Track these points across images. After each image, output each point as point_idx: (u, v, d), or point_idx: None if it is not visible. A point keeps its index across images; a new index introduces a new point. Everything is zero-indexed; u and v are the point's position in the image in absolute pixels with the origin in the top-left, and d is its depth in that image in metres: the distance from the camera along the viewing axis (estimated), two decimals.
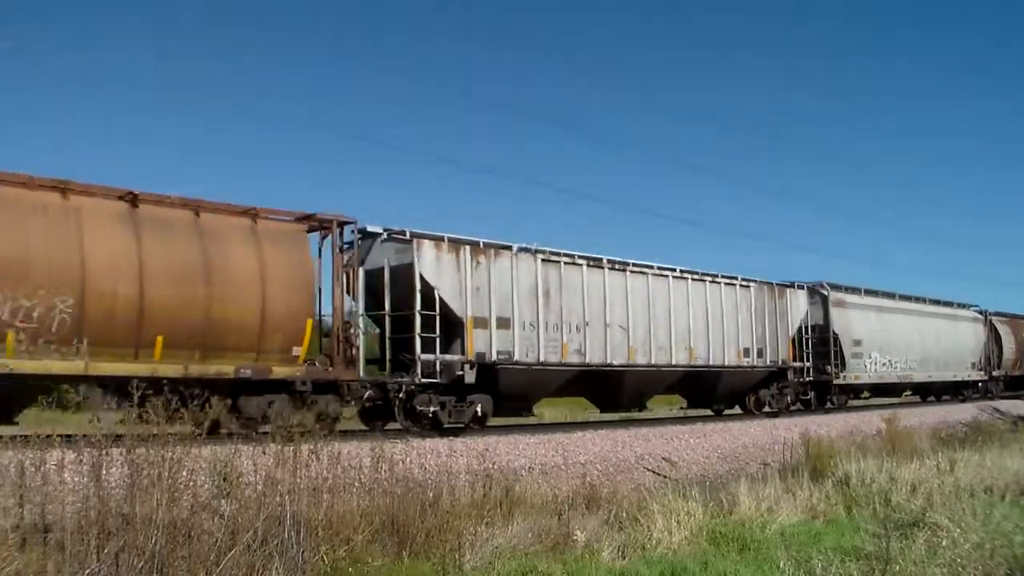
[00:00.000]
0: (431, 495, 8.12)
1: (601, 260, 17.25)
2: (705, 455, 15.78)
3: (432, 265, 14.30)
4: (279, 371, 12.24)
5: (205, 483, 6.71)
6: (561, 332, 16.13)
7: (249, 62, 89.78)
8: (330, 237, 13.46)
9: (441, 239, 14.70)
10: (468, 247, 14.92)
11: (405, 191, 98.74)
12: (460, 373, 14.49)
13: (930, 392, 31.46)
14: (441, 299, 14.31)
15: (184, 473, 6.35)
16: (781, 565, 7.67)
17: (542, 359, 15.71)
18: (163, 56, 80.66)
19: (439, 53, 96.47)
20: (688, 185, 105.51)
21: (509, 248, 15.69)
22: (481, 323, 14.86)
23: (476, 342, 14.74)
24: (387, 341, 14.46)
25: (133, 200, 11.53)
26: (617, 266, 17.56)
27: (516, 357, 15.27)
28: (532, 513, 9.03)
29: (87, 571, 5.59)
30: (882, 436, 17.51)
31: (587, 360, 16.62)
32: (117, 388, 10.45)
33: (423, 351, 13.99)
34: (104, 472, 6.20)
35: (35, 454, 6.30)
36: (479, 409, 14.96)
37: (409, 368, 14.00)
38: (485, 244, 15.41)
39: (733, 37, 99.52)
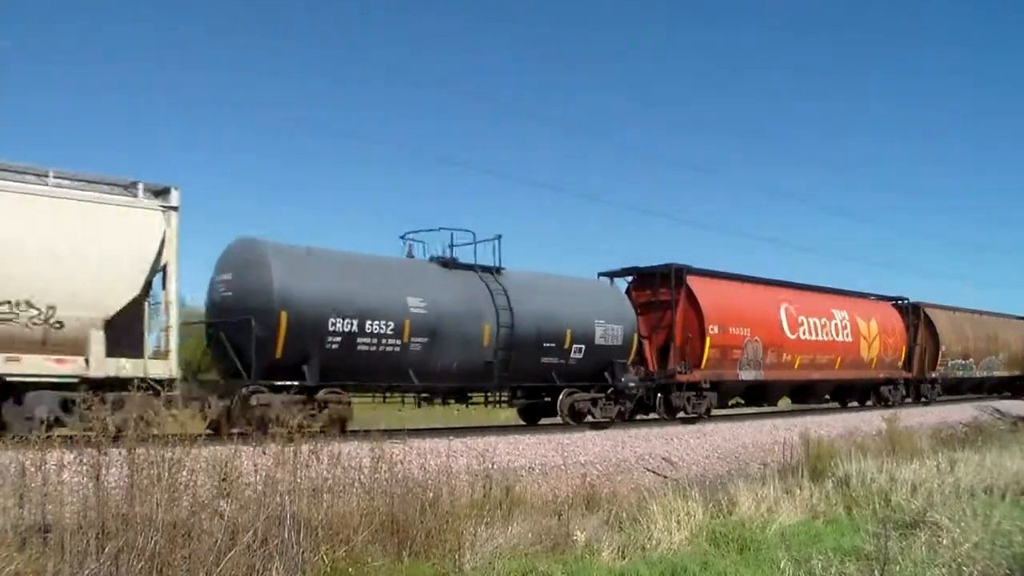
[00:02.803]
0: (431, 495, 8.11)
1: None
2: (705, 455, 15.78)
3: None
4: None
5: (205, 483, 6.71)
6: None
7: (248, 61, 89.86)
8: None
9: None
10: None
11: (405, 191, 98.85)
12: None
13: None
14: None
15: (184, 473, 6.35)
16: (781, 565, 7.67)
17: None
18: (164, 51, 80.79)
19: (436, 50, 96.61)
20: (692, 185, 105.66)
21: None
22: None
23: None
24: None
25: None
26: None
27: None
28: (532, 513, 9.03)
29: (87, 571, 5.59)
30: (882, 436, 17.51)
31: None
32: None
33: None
34: (104, 472, 6.20)
35: (35, 454, 6.30)
36: None
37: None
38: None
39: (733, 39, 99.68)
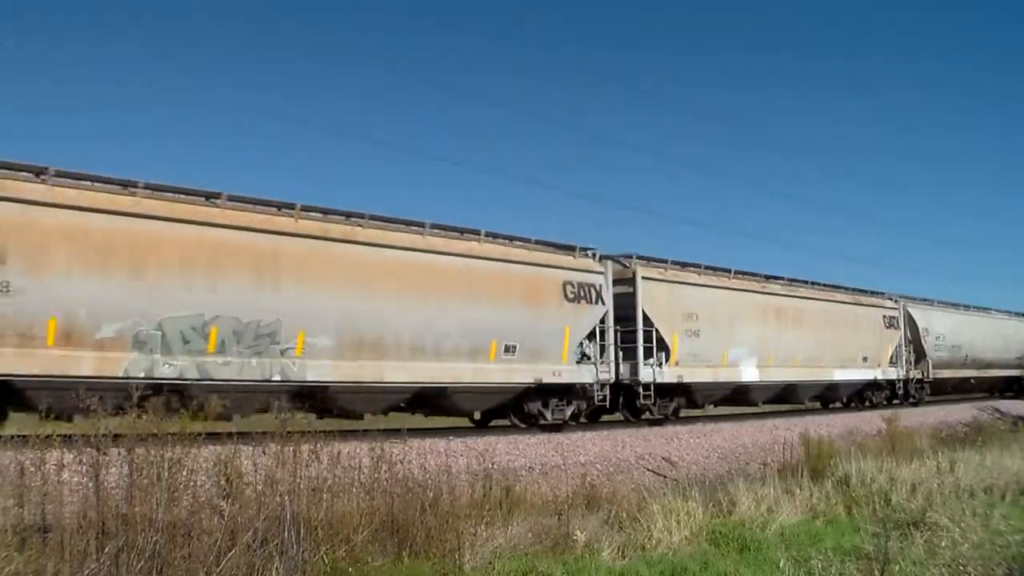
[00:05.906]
0: (431, 495, 8.10)
1: None
2: (705, 455, 15.78)
3: None
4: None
5: (205, 483, 6.70)
6: None
7: (245, 59, 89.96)
8: None
9: None
10: None
11: (402, 190, 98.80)
12: None
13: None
14: None
15: (184, 473, 6.35)
16: (781, 565, 7.68)
17: None
18: (162, 52, 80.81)
19: (434, 49, 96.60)
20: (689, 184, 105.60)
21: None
22: None
23: None
24: None
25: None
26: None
27: None
28: (532, 513, 9.03)
29: (87, 571, 5.58)
30: (882, 436, 17.50)
31: None
32: None
33: None
34: (104, 472, 6.20)
35: (35, 454, 6.29)
36: None
37: None
38: None
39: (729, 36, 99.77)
